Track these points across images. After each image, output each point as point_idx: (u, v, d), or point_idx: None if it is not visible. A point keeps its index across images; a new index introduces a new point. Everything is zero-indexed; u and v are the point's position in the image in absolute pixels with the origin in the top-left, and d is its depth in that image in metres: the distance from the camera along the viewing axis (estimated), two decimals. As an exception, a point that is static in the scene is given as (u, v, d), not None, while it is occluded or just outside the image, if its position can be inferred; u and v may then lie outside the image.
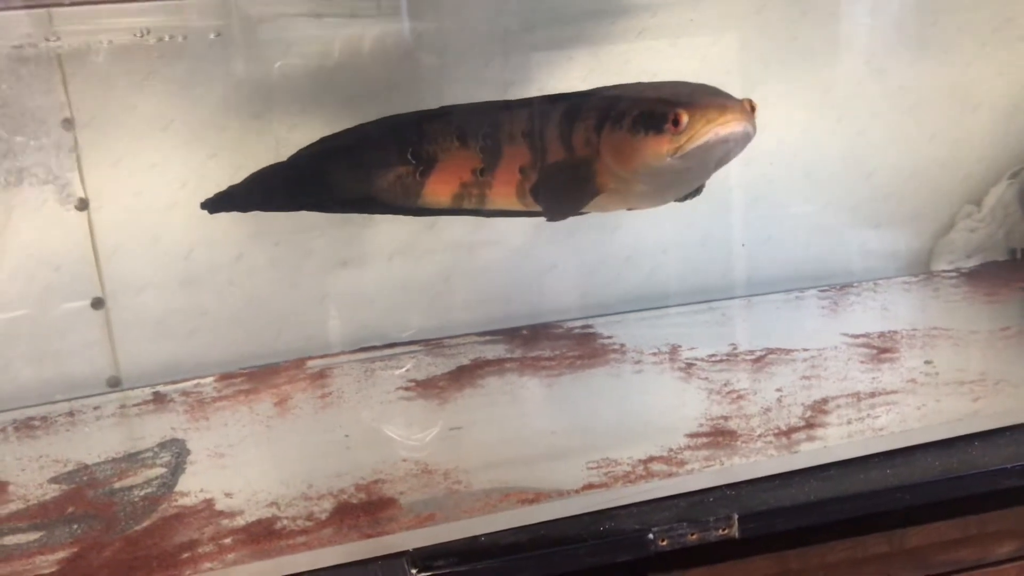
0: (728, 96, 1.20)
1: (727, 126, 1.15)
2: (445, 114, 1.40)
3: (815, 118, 1.72)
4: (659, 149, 1.19)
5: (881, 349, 1.45)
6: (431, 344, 1.61)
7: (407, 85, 1.53)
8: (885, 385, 1.32)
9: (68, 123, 1.46)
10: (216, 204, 1.42)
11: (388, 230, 1.61)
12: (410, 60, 1.54)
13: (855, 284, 1.74)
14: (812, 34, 1.68)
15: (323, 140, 1.42)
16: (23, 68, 1.43)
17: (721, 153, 1.20)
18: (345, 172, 1.45)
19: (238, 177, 1.55)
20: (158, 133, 1.50)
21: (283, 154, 1.55)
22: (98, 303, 1.53)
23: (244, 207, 1.47)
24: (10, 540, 1.09)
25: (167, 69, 1.47)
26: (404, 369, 1.50)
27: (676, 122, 1.17)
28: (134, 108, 1.48)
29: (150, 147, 1.50)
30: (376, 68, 1.53)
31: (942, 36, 1.73)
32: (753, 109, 1.19)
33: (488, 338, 1.62)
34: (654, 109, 1.21)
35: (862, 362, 1.41)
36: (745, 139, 1.18)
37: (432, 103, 1.44)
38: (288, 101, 1.52)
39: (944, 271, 1.78)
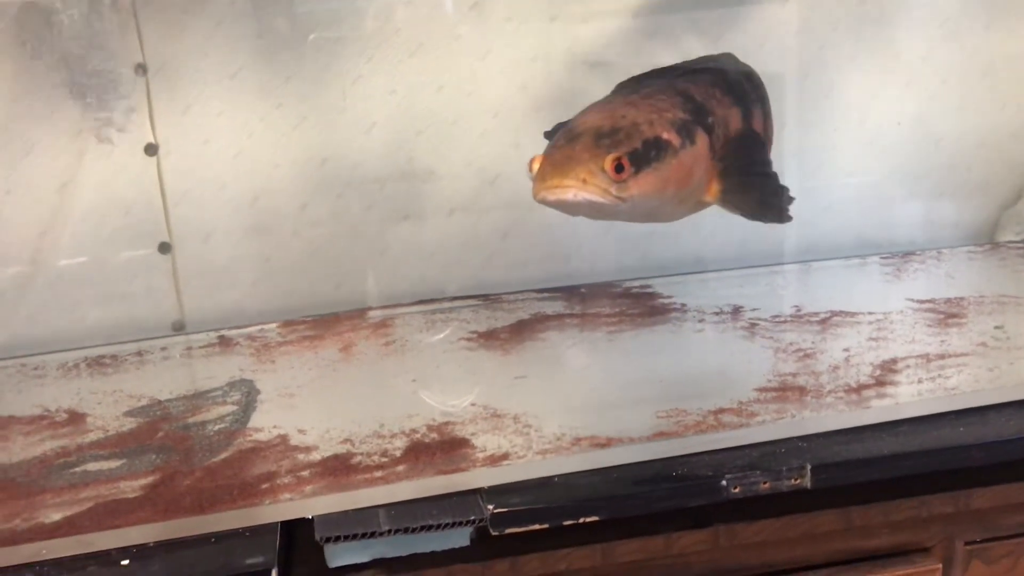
0: (593, 149, 1.03)
1: (552, 192, 1.02)
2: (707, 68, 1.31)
3: (883, 83, 1.69)
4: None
5: (948, 314, 1.44)
6: (490, 299, 1.61)
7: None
8: (955, 348, 1.31)
9: (140, 68, 1.48)
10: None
11: (449, 185, 1.62)
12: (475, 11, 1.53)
13: (918, 252, 1.72)
14: (883, -3, 1.65)
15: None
16: (98, 13, 1.44)
17: (572, 212, 1.07)
18: None
19: (302, 128, 1.57)
20: (226, 81, 1.51)
21: (347, 104, 1.57)
22: (165, 248, 1.55)
23: None
24: (93, 467, 1.12)
25: (238, 18, 1.48)
26: (446, 333, 1.50)
27: (530, 167, 1.07)
28: (205, 55, 1.49)
29: (218, 95, 1.51)
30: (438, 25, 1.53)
31: (1017, 1, 1.69)
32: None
33: (547, 295, 1.62)
34: (550, 140, 1.10)
35: (929, 326, 1.40)
36: (589, 208, 1.04)
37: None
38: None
39: (1011, 242, 1.75)
